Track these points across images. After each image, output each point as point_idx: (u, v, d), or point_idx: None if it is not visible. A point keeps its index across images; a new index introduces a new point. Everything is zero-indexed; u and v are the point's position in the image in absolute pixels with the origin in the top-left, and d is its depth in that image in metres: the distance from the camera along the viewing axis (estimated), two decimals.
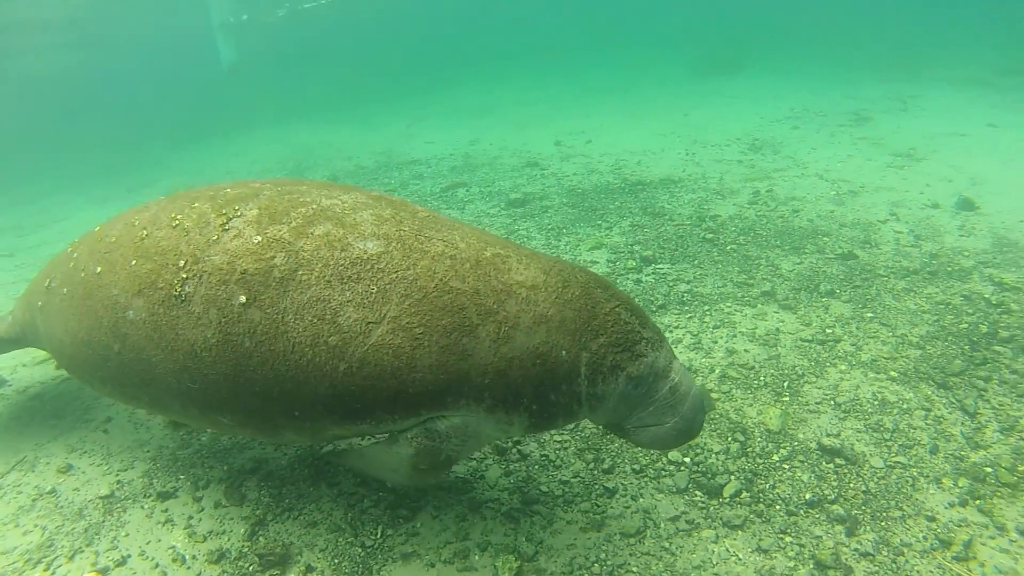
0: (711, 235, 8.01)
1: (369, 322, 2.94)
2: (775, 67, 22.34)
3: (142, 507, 4.09)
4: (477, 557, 3.62)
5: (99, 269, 3.48)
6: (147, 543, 3.81)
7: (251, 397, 3.13)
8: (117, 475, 4.40)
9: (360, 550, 3.68)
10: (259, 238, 3.11)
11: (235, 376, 3.09)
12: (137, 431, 4.83)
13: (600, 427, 3.78)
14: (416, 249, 3.10)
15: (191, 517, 4.00)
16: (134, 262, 3.33)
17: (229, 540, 3.81)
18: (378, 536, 3.76)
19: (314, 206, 3.26)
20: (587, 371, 3.05)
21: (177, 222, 3.34)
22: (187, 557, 3.70)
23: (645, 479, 4.20)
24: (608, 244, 8.04)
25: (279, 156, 17.86)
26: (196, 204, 3.42)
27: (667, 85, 21.48)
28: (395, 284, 2.99)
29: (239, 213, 3.26)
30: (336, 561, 3.61)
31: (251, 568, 3.59)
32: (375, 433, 3.34)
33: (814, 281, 6.65)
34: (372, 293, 2.97)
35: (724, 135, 13.46)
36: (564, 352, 3.01)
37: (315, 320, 2.96)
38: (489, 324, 2.97)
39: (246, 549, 3.72)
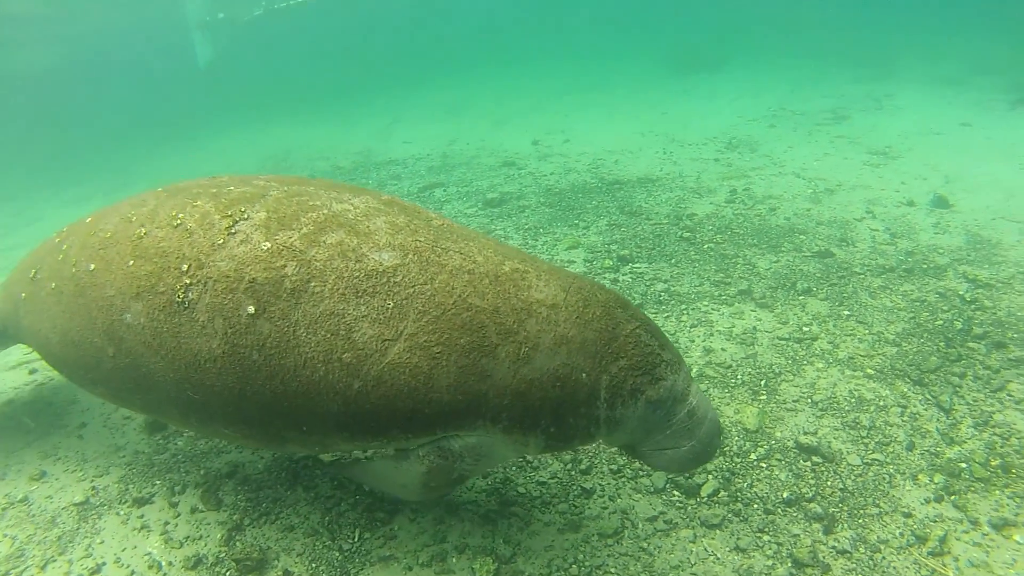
0: (688, 234, 8.03)
1: (385, 339, 2.84)
2: (754, 65, 22.44)
3: (118, 514, 4.05)
4: (455, 560, 3.61)
5: (92, 266, 3.30)
6: (122, 550, 3.77)
7: (256, 411, 3.03)
8: (92, 481, 4.34)
9: (338, 554, 3.66)
10: (268, 244, 2.97)
11: (240, 389, 2.97)
12: (113, 436, 4.77)
13: (614, 448, 3.74)
14: (433, 262, 2.99)
15: (167, 523, 3.95)
16: (131, 262, 3.16)
17: (206, 545, 3.77)
18: (356, 539, 3.74)
19: (325, 211, 3.12)
20: (607, 394, 2.99)
21: (179, 221, 3.17)
22: (163, 563, 3.66)
23: (623, 479, 4.21)
24: (585, 243, 8.04)
25: (257, 156, 17.75)
26: (198, 202, 3.24)
27: (646, 83, 21.55)
28: (412, 299, 2.88)
29: (245, 215, 3.09)
30: (314, 565, 3.59)
31: (228, 573, 3.56)
32: (386, 448, 3.28)
33: (791, 279, 6.69)
34: (388, 308, 2.86)
35: (702, 134, 13.53)
36: (584, 375, 2.95)
37: (328, 335, 2.85)
38: (509, 344, 2.89)
39: (223, 554, 3.69)
